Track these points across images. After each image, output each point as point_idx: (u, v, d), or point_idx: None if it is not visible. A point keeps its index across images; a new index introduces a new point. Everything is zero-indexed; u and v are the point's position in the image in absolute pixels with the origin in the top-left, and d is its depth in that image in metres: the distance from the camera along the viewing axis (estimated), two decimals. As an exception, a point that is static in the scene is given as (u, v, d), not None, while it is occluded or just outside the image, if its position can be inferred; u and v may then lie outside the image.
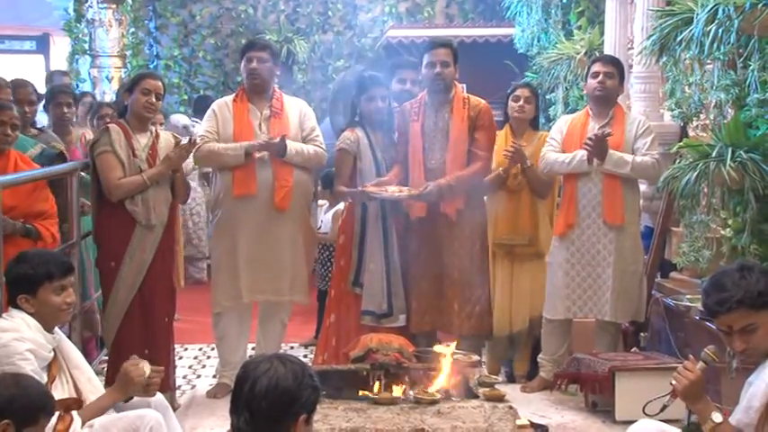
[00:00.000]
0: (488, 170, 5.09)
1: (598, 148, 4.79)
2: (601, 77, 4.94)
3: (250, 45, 5.13)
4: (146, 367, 3.45)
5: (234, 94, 5.13)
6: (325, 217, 6.67)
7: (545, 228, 5.32)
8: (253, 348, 5.37)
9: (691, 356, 3.04)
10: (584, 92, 5.32)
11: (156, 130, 4.83)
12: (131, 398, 3.50)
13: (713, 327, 3.99)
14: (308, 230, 5.16)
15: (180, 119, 8.41)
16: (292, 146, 4.89)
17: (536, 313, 5.23)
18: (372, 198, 4.89)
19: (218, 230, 5.05)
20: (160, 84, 4.74)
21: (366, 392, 4.12)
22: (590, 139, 4.81)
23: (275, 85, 5.15)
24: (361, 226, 5.00)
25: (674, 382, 2.96)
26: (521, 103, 5.31)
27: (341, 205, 6.39)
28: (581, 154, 4.89)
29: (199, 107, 9.00)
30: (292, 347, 6.46)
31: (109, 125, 4.72)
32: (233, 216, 4.95)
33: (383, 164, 5.04)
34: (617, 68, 4.99)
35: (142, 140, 4.70)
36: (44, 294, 3.33)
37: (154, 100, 4.67)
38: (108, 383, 4.12)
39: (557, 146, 5.06)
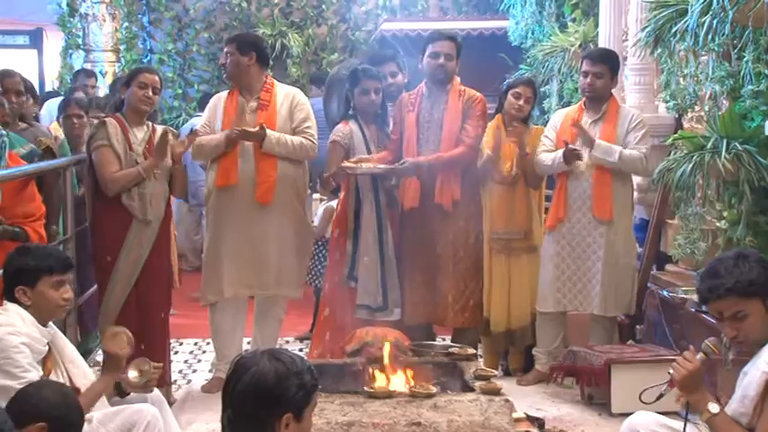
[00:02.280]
0: (472, 157, 5.05)
1: (572, 153, 4.85)
2: (590, 78, 4.95)
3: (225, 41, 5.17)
4: (123, 336, 3.49)
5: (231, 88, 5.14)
6: (318, 212, 6.66)
7: (537, 220, 5.32)
8: (248, 343, 5.36)
9: (691, 347, 3.05)
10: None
11: (152, 125, 4.82)
12: (128, 393, 3.50)
13: (709, 319, 4.01)
14: (300, 224, 5.08)
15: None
16: (273, 135, 4.83)
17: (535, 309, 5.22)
18: (349, 173, 4.87)
19: (207, 223, 5.08)
20: (157, 78, 4.74)
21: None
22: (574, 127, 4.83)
23: (268, 74, 5.11)
24: (355, 219, 5.00)
25: (672, 371, 2.96)
26: (521, 102, 5.20)
27: (334, 203, 6.40)
28: (560, 154, 4.90)
29: (203, 104, 8.97)
30: (288, 341, 6.45)
31: (105, 119, 4.71)
32: (218, 209, 4.94)
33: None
34: (607, 65, 4.97)
35: (139, 134, 4.70)
36: (43, 287, 3.33)
37: (151, 94, 4.67)
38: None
39: (549, 144, 5.07)
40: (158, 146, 4.63)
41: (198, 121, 8.10)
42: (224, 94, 5.11)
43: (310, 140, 4.97)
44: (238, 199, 4.87)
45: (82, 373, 3.46)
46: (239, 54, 4.93)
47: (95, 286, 4.80)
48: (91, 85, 7.86)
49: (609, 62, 5.00)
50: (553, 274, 5.02)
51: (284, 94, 5.03)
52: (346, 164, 4.83)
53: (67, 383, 3.36)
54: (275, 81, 5.10)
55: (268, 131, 4.81)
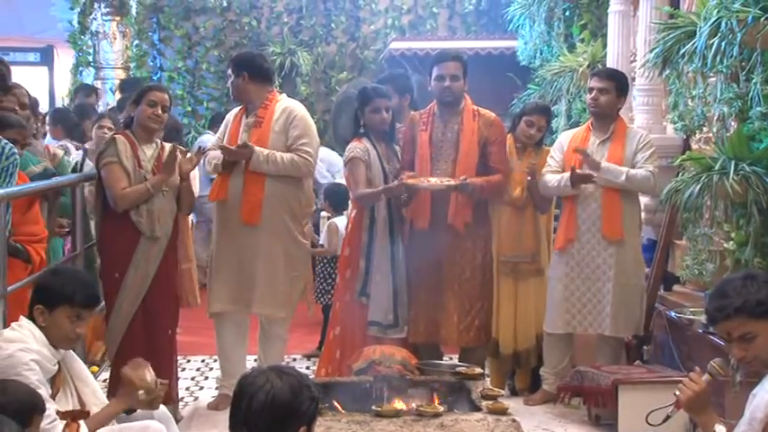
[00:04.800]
0: (509, 182, 5.14)
1: (581, 181, 4.90)
2: (594, 93, 4.99)
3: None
4: (148, 375, 3.45)
5: None
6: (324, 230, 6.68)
7: (545, 244, 5.34)
8: (255, 360, 5.36)
9: (697, 368, 3.04)
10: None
11: (161, 142, 4.84)
12: (135, 410, 3.50)
13: (716, 340, 4.00)
14: (292, 244, 5.02)
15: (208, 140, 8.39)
16: (261, 153, 4.83)
17: (541, 330, 5.22)
18: (413, 190, 4.84)
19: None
20: (166, 96, 4.76)
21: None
22: (573, 170, 4.88)
23: (272, 89, 5.12)
24: (368, 237, 5.00)
25: (678, 393, 2.96)
26: (533, 131, 5.31)
27: (338, 219, 6.43)
28: (566, 178, 4.92)
29: (213, 123, 9.00)
30: (295, 359, 6.45)
31: (115, 136, 4.74)
32: (215, 224, 5.07)
33: (389, 174, 5.05)
34: (614, 83, 5.00)
35: (148, 152, 4.72)
36: (60, 315, 3.27)
37: (160, 112, 4.69)
38: (111, 395, 4.11)
39: (554, 165, 5.10)
40: (166, 163, 4.66)
41: (207, 139, 8.21)
42: (236, 110, 5.19)
43: (304, 158, 4.91)
44: (229, 215, 4.94)
45: (92, 391, 3.45)
46: (234, 76, 5.01)
47: (103, 302, 4.80)
48: (91, 103, 7.84)
49: (615, 79, 5.03)
50: (562, 295, 5.02)
51: (281, 110, 5.00)
52: (409, 180, 4.81)
53: (77, 402, 3.37)
54: (278, 96, 5.09)
55: (256, 149, 4.82)
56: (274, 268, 4.97)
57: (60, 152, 5.52)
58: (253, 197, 4.87)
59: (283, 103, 5.06)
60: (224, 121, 5.23)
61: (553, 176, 5.04)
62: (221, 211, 4.99)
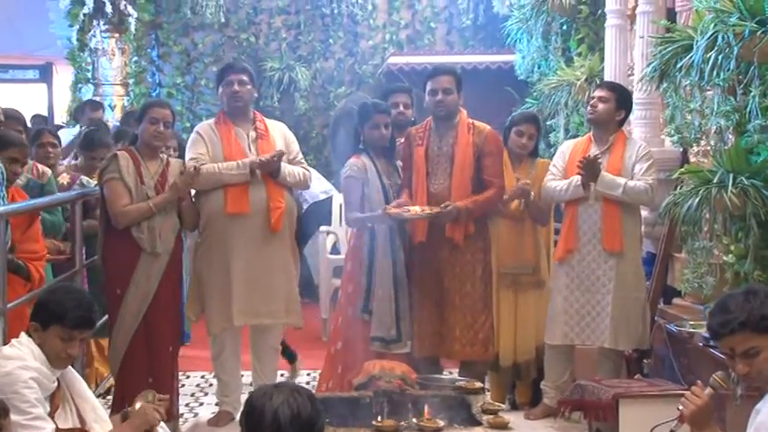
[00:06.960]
0: (502, 196, 5.10)
1: (590, 171, 4.84)
2: (593, 101, 5.02)
3: (229, 68, 5.14)
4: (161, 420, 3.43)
5: (215, 118, 5.13)
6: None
7: (545, 256, 5.34)
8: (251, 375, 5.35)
9: (699, 382, 3.03)
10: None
11: (167, 158, 4.85)
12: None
13: (717, 353, 4.00)
14: (295, 253, 5.15)
15: None
16: (285, 166, 4.92)
17: (541, 342, 5.22)
18: (395, 219, 4.87)
19: (208, 252, 4.94)
20: (168, 112, 4.79)
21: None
22: (580, 161, 4.85)
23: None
24: (369, 252, 5.00)
25: (681, 407, 2.95)
26: (524, 140, 5.33)
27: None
28: (576, 179, 4.93)
29: None
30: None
31: (117, 152, 4.76)
32: (225, 237, 4.88)
33: (389, 190, 5.06)
34: (614, 93, 5.03)
35: (152, 168, 4.74)
36: (52, 333, 3.25)
37: (162, 128, 4.72)
38: (113, 411, 4.11)
39: (557, 173, 5.10)
40: (174, 184, 4.67)
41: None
42: (210, 123, 5.10)
43: (308, 171, 5.11)
44: (249, 227, 4.88)
45: (92, 408, 3.44)
46: (252, 86, 5.04)
47: (106, 317, 4.78)
48: (97, 117, 7.82)
49: (617, 91, 5.06)
50: (561, 307, 5.01)
51: (277, 128, 5.15)
52: (391, 210, 4.83)
53: (77, 420, 3.35)
54: None
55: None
56: (290, 277, 5.02)
57: (48, 170, 5.42)
58: (279, 204, 4.90)
59: (269, 120, 5.21)
60: (203, 136, 4.98)
61: (558, 182, 5.05)
62: (237, 222, 4.85)
